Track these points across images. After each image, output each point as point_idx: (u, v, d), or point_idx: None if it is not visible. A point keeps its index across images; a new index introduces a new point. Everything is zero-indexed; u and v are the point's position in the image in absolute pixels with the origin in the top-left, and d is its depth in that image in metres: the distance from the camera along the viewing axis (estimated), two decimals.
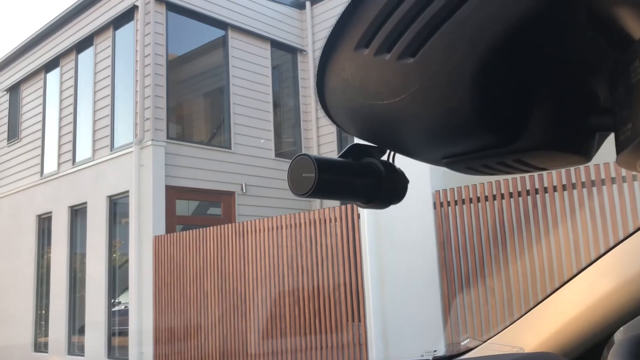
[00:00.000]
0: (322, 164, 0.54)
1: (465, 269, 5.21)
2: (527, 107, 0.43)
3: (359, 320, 5.90)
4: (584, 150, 0.46)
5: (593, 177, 4.61)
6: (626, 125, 0.38)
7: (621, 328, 1.05)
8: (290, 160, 0.57)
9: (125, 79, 9.62)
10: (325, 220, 6.35)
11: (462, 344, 1.19)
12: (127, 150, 9.07)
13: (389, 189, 0.58)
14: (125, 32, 9.75)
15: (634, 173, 4.35)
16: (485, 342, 1.16)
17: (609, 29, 0.37)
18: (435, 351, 1.20)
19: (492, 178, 5.15)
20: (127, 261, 8.87)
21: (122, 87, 9.70)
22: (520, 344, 1.09)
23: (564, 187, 4.75)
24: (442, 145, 0.49)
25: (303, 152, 11.17)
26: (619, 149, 0.39)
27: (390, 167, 0.58)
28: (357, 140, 0.58)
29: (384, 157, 0.58)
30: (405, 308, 5.54)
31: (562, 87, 0.43)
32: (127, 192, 8.93)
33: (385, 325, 5.68)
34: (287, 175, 0.56)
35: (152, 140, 8.77)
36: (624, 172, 4.44)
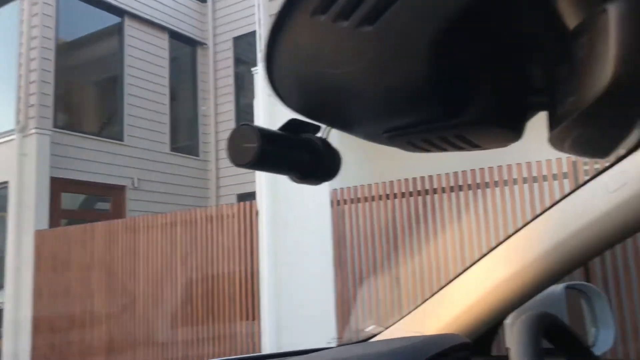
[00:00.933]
0: (265, 135, 0.53)
1: (359, 264, 5.37)
2: (473, 81, 0.45)
3: (253, 318, 5.89)
4: (518, 128, 0.49)
5: (478, 180, 4.93)
6: (565, 101, 0.40)
7: (512, 313, 1.14)
8: (232, 130, 0.55)
9: (7, 62, 8.92)
10: (222, 216, 6.27)
11: (366, 330, 1.23)
12: (7, 137, 8.42)
13: (326, 165, 0.58)
14: (8, 11, 9.03)
15: (534, 175, 4.69)
16: (388, 328, 1.22)
17: (551, 10, 0.39)
18: (340, 338, 1.23)
19: (388, 177, 5.34)
20: (2, 258, 8.23)
21: (4, 71, 8.98)
22: (422, 329, 1.15)
23: (451, 189, 5.04)
24: (388, 118, 0.49)
25: (200, 147, 10.91)
26: (553, 126, 0.42)
27: (327, 143, 0.58)
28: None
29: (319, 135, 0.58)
30: (300, 304, 5.61)
31: (504, 65, 0.45)
32: (6, 183, 8.29)
33: (280, 322, 5.72)
34: (226, 144, 0.54)
35: (37, 128, 8.20)
36: (505, 175, 4.79)
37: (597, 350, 1.32)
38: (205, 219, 6.34)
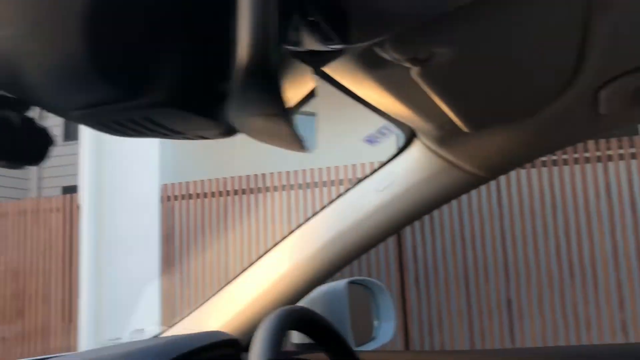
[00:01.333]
0: None
1: (187, 261, 5.26)
2: (153, 57, 0.40)
3: (70, 316, 5.50)
4: (218, 118, 0.45)
5: (308, 180, 5.07)
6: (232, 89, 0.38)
7: None
8: None
9: None
10: (39, 210, 5.76)
11: (147, 329, 1.18)
12: None
13: (23, 146, 0.50)
14: None
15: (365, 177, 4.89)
16: (170, 327, 1.18)
17: None
18: (119, 338, 1.17)
19: (227, 172, 5.29)
20: None
21: None
22: (202, 327, 1.13)
23: (283, 187, 5.13)
24: (67, 95, 0.43)
25: None
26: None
27: (29, 122, 0.50)
28: None
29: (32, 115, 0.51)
30: (123, 301, 5.35)
31: (184, 45, 0.40)
32: None
33: (100, 320, 5.41)
34: None
35: None
36: (333, 176, 4.98)
37: (379, 342, 1.40)
38: (18, 213, 5.78)
